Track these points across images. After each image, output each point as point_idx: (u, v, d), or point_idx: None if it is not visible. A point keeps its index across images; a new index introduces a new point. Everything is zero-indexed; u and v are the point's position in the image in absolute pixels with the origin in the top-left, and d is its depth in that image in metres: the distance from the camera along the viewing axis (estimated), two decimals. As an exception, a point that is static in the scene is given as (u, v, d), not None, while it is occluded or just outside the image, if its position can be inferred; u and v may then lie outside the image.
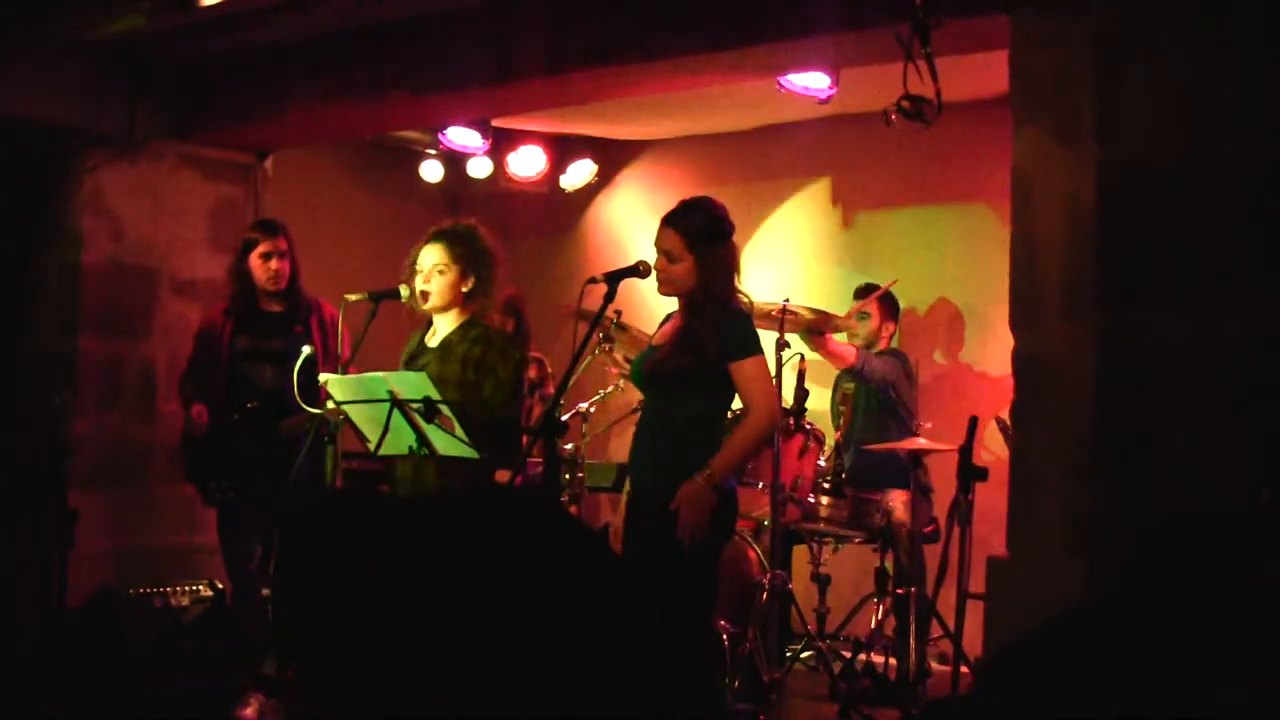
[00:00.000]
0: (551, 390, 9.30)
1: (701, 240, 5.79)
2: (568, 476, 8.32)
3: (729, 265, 5.86)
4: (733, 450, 5.66)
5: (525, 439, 6.65)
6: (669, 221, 5.88)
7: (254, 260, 7.50)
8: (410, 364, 6.63)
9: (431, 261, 6.57)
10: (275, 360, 7.24)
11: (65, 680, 7.51)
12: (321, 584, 2.09)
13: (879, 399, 8.62)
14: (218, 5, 7.22)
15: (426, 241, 6.65)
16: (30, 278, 8.54)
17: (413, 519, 1.82)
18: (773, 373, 6.48)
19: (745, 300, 5.99)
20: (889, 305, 8.87)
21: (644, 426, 6.01)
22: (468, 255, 6.60)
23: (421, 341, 6.68)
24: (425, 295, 6.55)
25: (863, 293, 8.87)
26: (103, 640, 7.64)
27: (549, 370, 9.45)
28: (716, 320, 5.74)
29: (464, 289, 6.59)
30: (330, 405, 6.54)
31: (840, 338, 8.62)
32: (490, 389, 6.37)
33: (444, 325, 6.64)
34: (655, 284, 5.92)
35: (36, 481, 8.03)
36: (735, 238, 5.92)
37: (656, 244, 5.89)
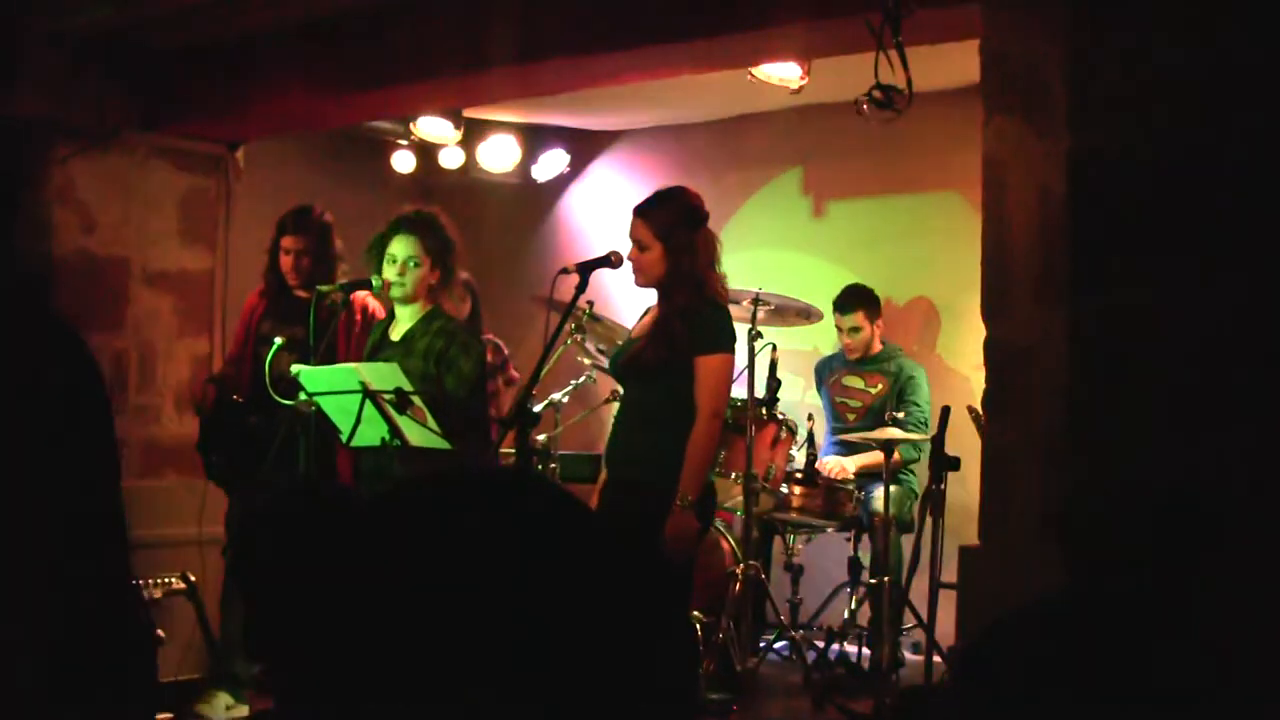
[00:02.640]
0: (513, 373, 9.31)
1: (672, 229, 5.81)
2: (540, 467, 8.31)
3: (704, 254, 5.87)
4: (693, 467, 5.70)
5: (496, 429, 6.65)
6: (639, 211, 5.90)
7: (280, 248, 7.45)
8: (373, 356, 6.62)
9: (406, 254, 6.56)
10: (296, 347, 7.11)
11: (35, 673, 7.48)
12: (287, 583, 2.08)
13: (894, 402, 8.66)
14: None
15: (395, 231, 6.63)
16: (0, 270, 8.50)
17: (399, 509, 1.80)
18: (745, 363, 6.50)
19: (724, 291, 6.00)
20: (872, 305, 8.89)
21: (622, 418, 6.02)
22: (437, 247, 6.60)
23: (385, 334, 6.68)
24: (397, 287, 6.55)
25: (843, 304, 8.87)
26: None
27: (506, 352, 9.44)
28: (688, 309, 5.75)
29: (431, 281, 6.59)
30: (303, 397, 6.53)
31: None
32: (452, 383, 6.37)
33: (406, 317, 6.64)
34: (628, 275, 5.93)
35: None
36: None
37: (629, 234, 5.90)
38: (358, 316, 7.26)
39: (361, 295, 7.17)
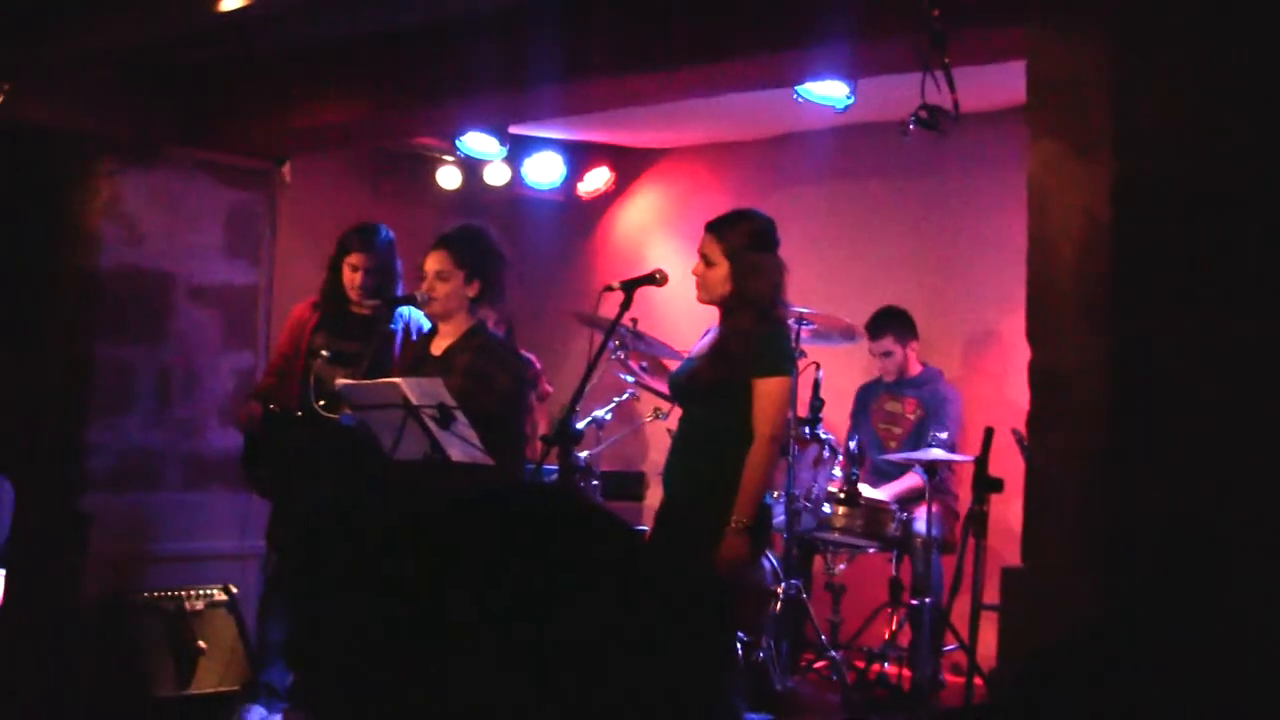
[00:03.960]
0: (546, 387, 9.36)
1: (741, 250, 5.82)
2: (582, 484, 8.32)
3: (769, 276, 5.86)
4: (749, 489, 5.68)
5: (540, 446, 6.67)
6: (711, 227, 5.92)
7: (345, 265, 7.47)
8: (413, 371, 6.64)
9: (434, 267, 6.59)
10: (350, 363, 7.13)
11: (77, 684, 7.53)
12: (328, 592, 2.09)
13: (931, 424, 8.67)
14: (235, 11, 7.22)
15: (433, 247, 6.66)
16: (47, 283, 8.55)
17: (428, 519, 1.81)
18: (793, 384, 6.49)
19: (785, 315, 6.01)
20: (904, 327, 8.89)
21: (680, 439, 6.02)
22: (472, 260, 6.60)
23: (427, 349, 6.69)
24: (429, 302, 6.57)
25: (872, 328, 8.87)
26: (115, 644, 7.65)
27: (539, 367, 9.50)
28: (749, 331, 5.75)
29: (469, 295, 6.59)
30: (347, 411, 6.55)
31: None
32: (489, 398, 6.35)
33: (448, 332, 6.65)
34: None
35: (51, 486, 8.06)
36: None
37: (699, 248, 5.92)
38: (411, 333, 7.29)
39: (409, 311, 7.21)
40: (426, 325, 7.03)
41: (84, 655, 7.67)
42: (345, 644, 1.72)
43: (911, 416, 8.82)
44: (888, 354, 8.82)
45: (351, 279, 7.41)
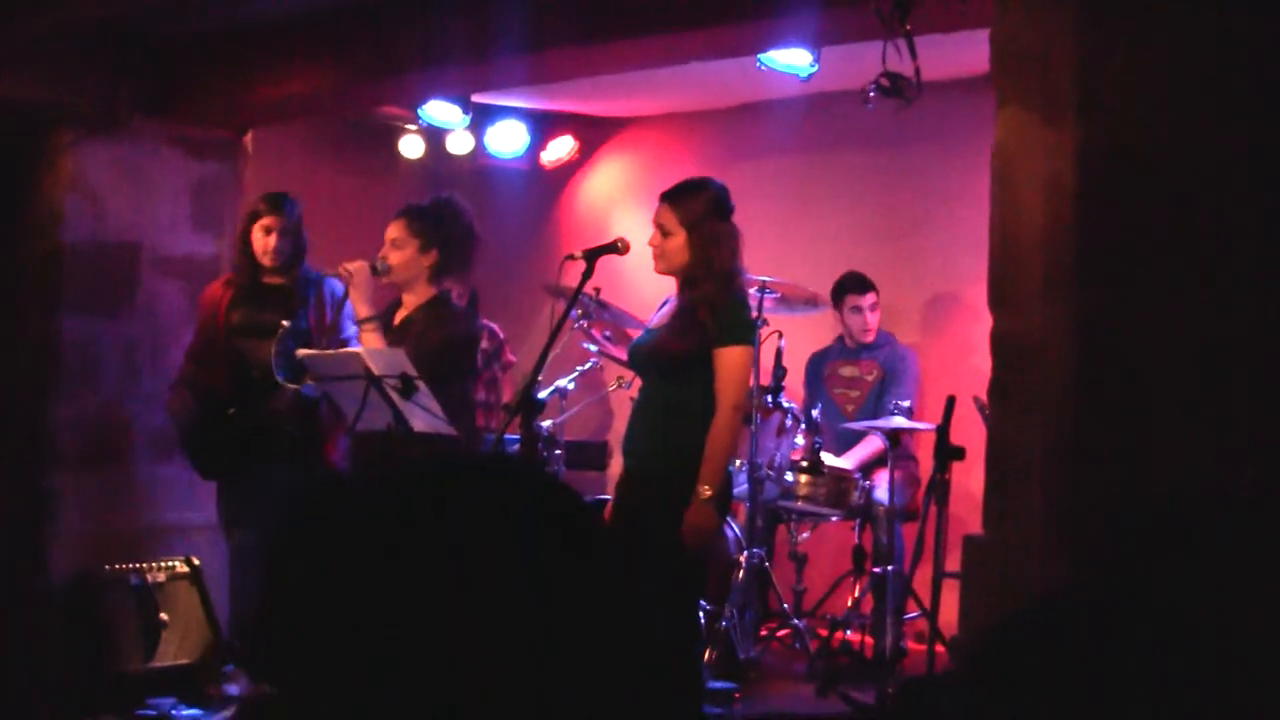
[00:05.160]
0: (509, 357, 9.36)
1: (698, 218, 5.82)
2: (545, 453, 8.33)
3: (727, 244, 5.86)
4: (714, 460, 5.68)
5: (501, 415, 6.67)
6: (666, 197, 5.92)
7: (255, 232, 7.45)
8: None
9: (391, 235, 6.60)
10: (272, 335, 7.12)
11: (47, 659, 7.51)
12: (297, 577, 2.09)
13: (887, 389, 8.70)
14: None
15: (394, 216, 6.67)
16: (11, 257, 8.50)
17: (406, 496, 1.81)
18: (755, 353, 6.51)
19: (744, 284, 6.01)
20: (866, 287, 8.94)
21: (640, 410, 6.02)
22: (428, 229, 6.60)
23: (388, 319, 6.69)
24: (387, 270, 6.57)
25: (860, 284, 8.92)
26: (84, 619, 7.63)
27: (502, 337, 9.51)
28: (709, 301, 5.75)
29: (425, 264, 6.58)
30: (308, 380, 6.55)
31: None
32: (422, 361, 6.27)
33: (409, 303, 6.66)
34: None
35: (18, 461, 8.03)
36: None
37: (654, 219, 5.91)
38: (326, 295, 7.31)
39: (329, 274, 7.23)
40: (340, 290, 6.98)
41: (52, 630, 7.65)
42: (313, 627, 1.72)
43: (869, 378, 8.85)
44: (862, 310, 8.84)
45: (265, 243, 7.42)
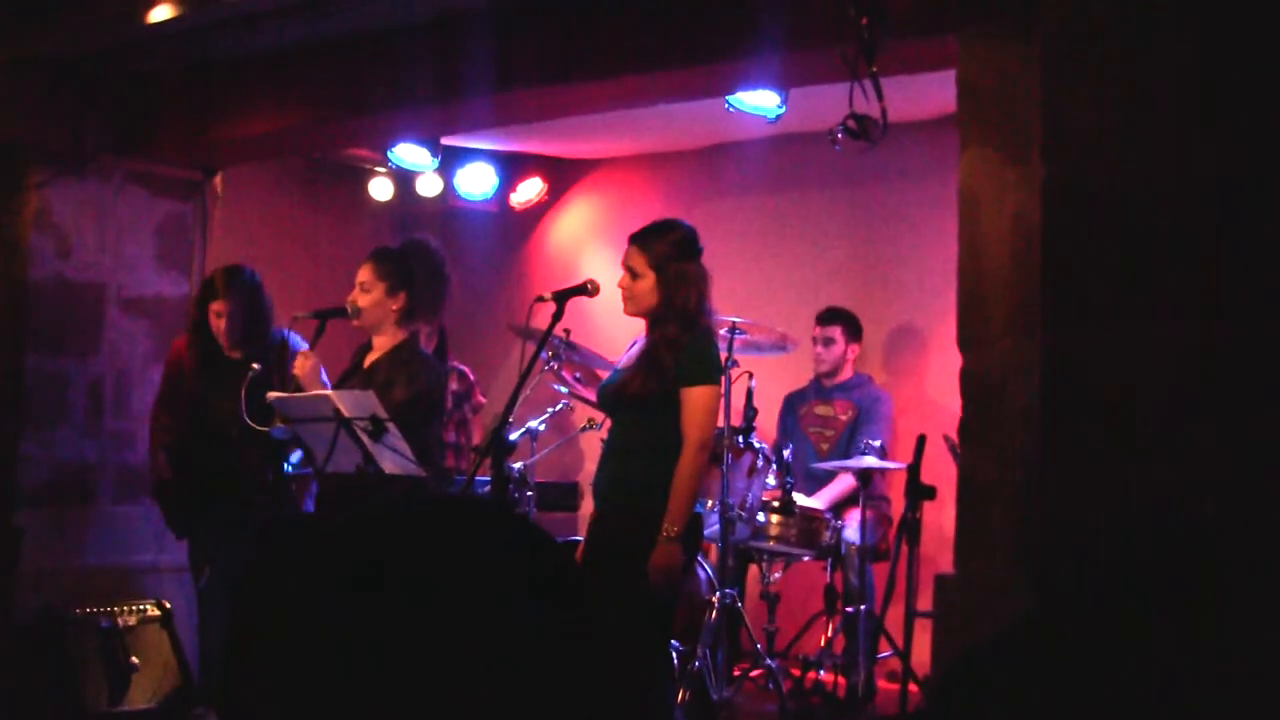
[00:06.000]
0: (479, 399, 9.36)
1: (667, 260, 5.82)
2: (516, 495, 8.30)
3: (695, 285, 5.86)
4: (679, 498, 5.67)
5: (472, 457, 6.65)
6: (635, 239, 5.92)
7: (210, 309, 7.46)
8: (341, 383, 6.63)
9: (360, 278, 6.60)
10: (235, 398, 7.03)
11: (10, 701, 7.46)
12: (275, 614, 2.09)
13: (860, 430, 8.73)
14: (165, 22, 7.18)
15: (364, 260, 6.68)
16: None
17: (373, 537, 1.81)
18: (722, 392, 6.50)
19: (713, 324, 6.01)
20: (853, 328, 8.97)
21: (610, 449, 6.01)
22: (396, 272, 6.59)
23: (359, 361, 6.68)
24: (357, 313, 6.57)
25: (824, 317, 8.96)
26: (48, 661, 7.59)
27: (472, 379, 9.51)
28: (677, 340, 5.75)
29: (394, 308, 6.58)
30: (279, 424, 6.53)
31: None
32: (387, 410, 6.24)
33: (379, 345, 6.65)
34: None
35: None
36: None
37: (623, 261, 5.91)
38: (289, 352, 7.29)
39: (291, 332, 7.26)
40: (304, 345, 6.94)
41: (17, 671, 7.61)
42: (279, 666, 1.72)
43: (844, 418, 8.86)
44: (830, 341, 8.88)
45: (216, 325, 7.43)
